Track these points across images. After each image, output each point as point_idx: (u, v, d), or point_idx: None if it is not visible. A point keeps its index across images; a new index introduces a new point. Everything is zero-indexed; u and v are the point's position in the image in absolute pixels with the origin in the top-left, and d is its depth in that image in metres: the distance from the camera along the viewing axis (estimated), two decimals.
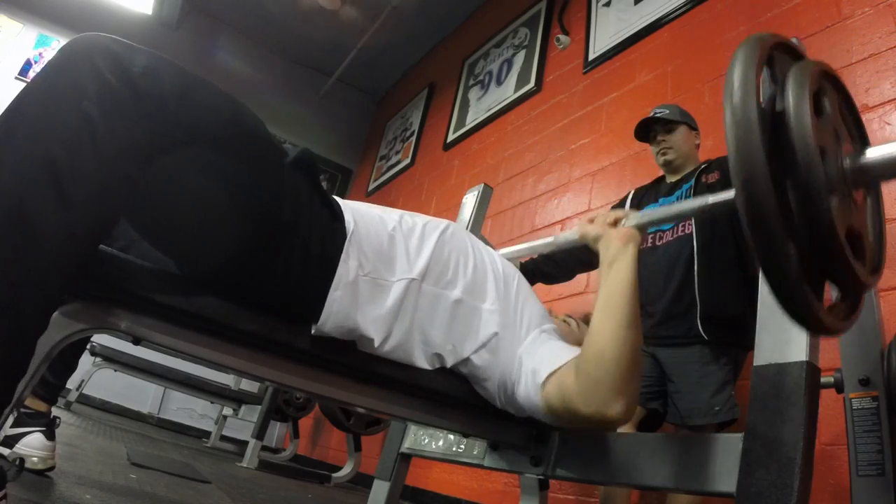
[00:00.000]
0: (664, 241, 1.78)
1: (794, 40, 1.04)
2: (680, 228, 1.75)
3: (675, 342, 1.66)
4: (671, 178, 1.89)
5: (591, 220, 1.08)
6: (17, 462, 1.23)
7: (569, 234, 1.17)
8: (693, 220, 1.71)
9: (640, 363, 0.90)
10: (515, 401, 1.00)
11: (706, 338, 1.58)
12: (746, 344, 1.62)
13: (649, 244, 1.80)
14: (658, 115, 1.88)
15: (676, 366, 1.65)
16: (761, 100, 0.58)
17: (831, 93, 0.67)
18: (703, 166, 1.79)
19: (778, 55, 0.65)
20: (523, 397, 0.98)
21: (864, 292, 0.71)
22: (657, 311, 1.70)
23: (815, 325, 0.65)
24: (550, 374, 0.94)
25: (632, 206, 1.96)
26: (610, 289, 0.93)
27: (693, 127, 1.91)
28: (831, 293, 0.69)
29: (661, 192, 1.87)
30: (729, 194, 0.91)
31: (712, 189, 1.70)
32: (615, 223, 1.04)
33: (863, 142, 0.71)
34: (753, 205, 0.55)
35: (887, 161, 0.64)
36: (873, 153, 0.64)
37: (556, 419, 0.96)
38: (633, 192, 2.00)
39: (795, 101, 0.58)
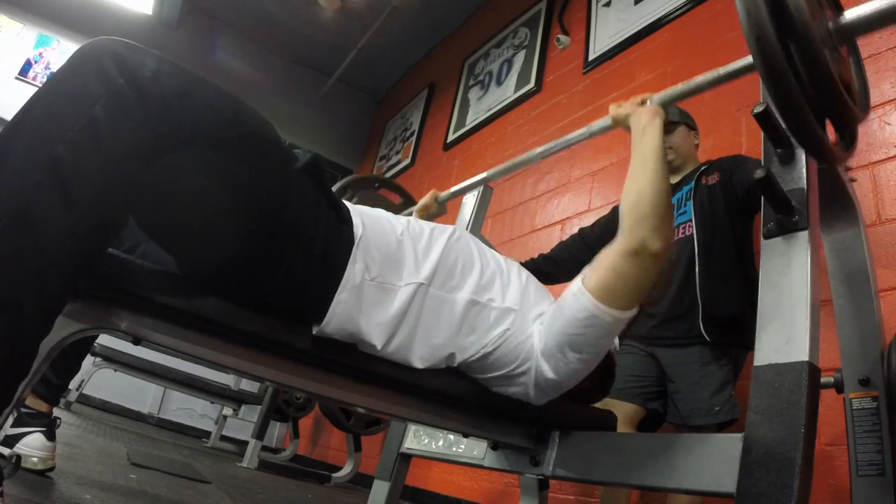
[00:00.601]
0: None
1: None
2: (680, 231, 1.75)
3: (676, 343, 1.66)
4: (671, 180, 1.88)
5: (619, 105, 1.24)
6: (14, 459, 1.23)
7: (602, 121, 1.32)
8: (693, 222, 1.71)
9: (671, 210, 1.03)
10: (552, 330, 1.02)
11: (707, 338, 1.58)
12: (746, 344, 1.62)
13: None
14: None
15: (676, 366, 1.65)
16: None
17: None
18: (703, 167, 1.79)
19: None
20: (570, 314, 1.00)
21: (857, 125, 0.91)
22: (658, 313, 1.70)
23: (827, 154, 0.83)
24: (585, 274, 1.02)
25: None
26: (643, 152, 1.07)
27: (692, 127, 1.91)
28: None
29: None
30: (745, 61, 1.03)
31: (712, 191, 1.71)
32: (642, 103, 1.19)
33: (839, 8, 0.87)
34: (767, 58, 0.72)
35: (861, 19, 0.80)
36: (849, 14, 0.82)
37: (606, 296, 0.98)
38: None
39: None
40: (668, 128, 1.87)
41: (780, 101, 0.75)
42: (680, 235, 1.74)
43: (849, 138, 0.90)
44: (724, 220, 1.67)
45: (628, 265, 0.97)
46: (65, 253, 0.64)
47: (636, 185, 1.02)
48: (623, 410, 1.66)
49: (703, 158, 1.91)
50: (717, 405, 1.53)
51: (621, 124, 1.23)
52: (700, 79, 1.13)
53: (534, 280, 1.17)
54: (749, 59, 1.01)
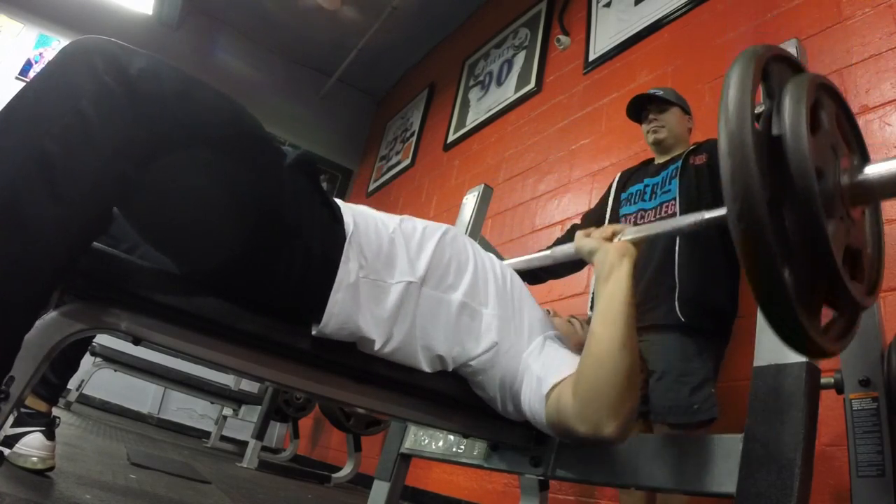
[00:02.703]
0: (646, 220, 1.76)
1: (793, 42, 1.04)
2: (662, 210, 1.72)
3: (653, 329, 1.61)
4: (659, 160, 1.87)
5: (588, 234, 1.07)
6: None
7: (566, 247, 1.16)
8: (677, 202, 1.67)
9: (636, 382, 0.87)
10: (519, 406, 0.99)
11: (683, 320, 1.53)
12: (727, 333, 1.60)
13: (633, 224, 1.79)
14: (655, 93, 1.87)
15: (657, 360, 1.59)
16: (757, 120, 0.57)
17: (829, 105, 0.65)
18: (691, 148, 1.77)
19: (774, 67, 0.64)
20: (526, 405, 0.97)
21: (860, 313, 0.70)
22: (636, 294, 1.67)
23: (810, 349, 0.63)
24: (554, 386, 0.92)
25: (617, 190, 1.94)
26: (606, 304, 0.92)
27: (687, 111, 1.90)
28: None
29: (648, 174, 1.86)
30: (722, 212, 0.87)
31: (699, 172, 1.68)
32: (611, 237, 1.03)
33: (861, 153, 0.70)
34: (749, 235, 0.54)
35: (887, 179, 0.61)
36: (872, 170, 0.62)
37: (555, 432, 0.94)
38: (618, 175, 1.99)
39: (792, 123, 0.57)
40: (663, 107, 1.86)
41: (760, 290, 0.57)
42: (663, 214, 1.71)
43: (845, 326, 0.69)
44: (710, 202, 1.61)
45: (577, 437, 0.87)
46: (51, 247, 0.64)
47: (593, 349, 0.87)
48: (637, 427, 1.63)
49: None
50: (696, 403, 1.49)
51: (587, 259, 1.06)
52: (680, 221, 1.00)
53: (525, 289, 1.14)
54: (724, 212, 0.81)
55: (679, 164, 1.73)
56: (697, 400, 1.50)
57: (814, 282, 0.60)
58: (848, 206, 0.62)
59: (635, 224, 1.76)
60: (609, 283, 0.94)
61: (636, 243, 1.00)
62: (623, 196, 1.91)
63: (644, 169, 1.91)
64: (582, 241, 1.07)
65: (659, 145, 1.86)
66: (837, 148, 0.64)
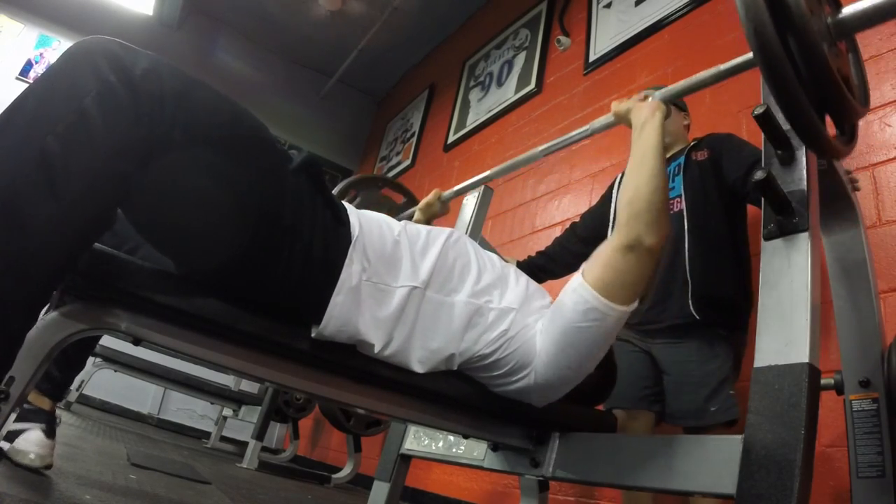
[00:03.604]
0: None
1: None
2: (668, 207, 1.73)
3: (669, 331, 1.61)
4: None
5: (621, 102, 1.26)
6: None
7: (604, 118, 1.34)
8: (683, 198, 1.67)
9: (667, 211, 1.05)
10: (545, 347, 1.02)
11: (698, 317, 1.53)
12: (743, 326, 1.59)
13: None
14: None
15: (673, 364, 1.60)
16: None
17: None
18: (692, 144, 1.77)
19: None
20: (571, 308, 1.00)
21: (858, 120, 0.92)
22: (647, 295, 1.67)
23: (827, 148, 0.84)
24: (584, 269, 1.03)
25: (618, 191, 1.94)
26: (642, 148, 1.09)
27: (681, 108, 1.89)
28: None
29: None
30: (746, 56, 1.04)
31: (703, 167, 1.68)
32: (644, 99, 1.21)
33: (837, 4, 0.87)
34: (766, 52, 0.73)
35: (860, 14, 0.81)
36: (848, 10, 0.82)
37: (606, 290, 0.98)
38: (619, 175, 1.98)
39: None
40: None
41: (780, 94, 0.76)
42: (669, 212, 1.71)
43: (849, 133, 0.92)
44: (716, 197, 1.63)
45: (624, 259, 0.99)
46: (50, 245, 0.64)
47: (633, 181, 1.04)
48: (648, 421, 1.63)
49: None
50: (714, 406, 1.49)
51: (623, 120, 1.24)
52: (702, 75, 1.14)
53: (531, 281, 1.16)
54: (750, 56, 1.01)
55: (682, 160, 1.73)
56: (716, 403, 1.49)
57: (818, 94, 0.77)
58: (835, 38, 0.83)
59: None
60: (644, 133, 1.11)
61: (665, 101, 1.19)
62: None
63: None
64: (618, 105, 1.26)
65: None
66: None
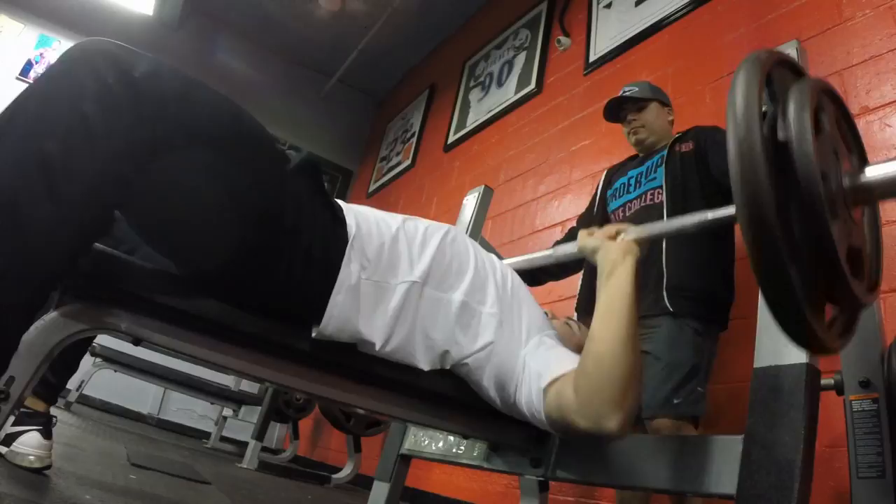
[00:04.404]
0: (632, 210, 1.75)
1: (793, 44, 1.04)
2: (648, 197, 1.70)
3: (643, 321, 1.55)
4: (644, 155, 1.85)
5: (591, 233, 1.08)
6: None
7: (567, 247, 1.17)
8: (664, 190, 1.66)
9: (639, 377, 0.87)
10: (517, 405, 0.99)
11: (672, 309, 1.51)
12: (721, 321, 1.58)
13: (620, 218, 1.77)
14: (627, 93, 1.84)
15: (645, 354, 1.54)
16: (763, 125, 0.59)
17: (829, 108, 0.67)
18: (677, 136, 1.76)
19: (777, 72, 0.66)
20: (525, 402, 0.97)
21: (861, 310, 0.72)
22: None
23: (815, 345, 0.66)
24: (553, 381, 0.92)
25: (603, 188, 1.93)
26: (608, 300, 0.93)
27: (665, 103, 1.87)
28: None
29: (633, 166, 1.84)
30: (730, 210, 0.89)
31: (686, 159, 1.66)
32: (615, 236, 1.03)
33: (860, 154, 0.72)
34: (759, 237, 0.57)
35: (886, 180, 0.65)
36: (872, 172, 0.66)
37: (555, 428, 0.94)
38: (604, 173, 1.98)
39: (798, 130, 0.59)
40: (640, 105, 1.83)
41: (769, 287, 0.60)
42: (648, 202, 1.70)
43: (848, 322, 0.72)
44: (697, 189, 1.62)
45: (578, 432, 0.87)
46: (48, 248, 0.64)
47: (595, 346, 0.88)
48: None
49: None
50: (678, 398, 1.45)
51: (589, 258, 1.06)
52: (683, 221, 1.01)
53: (524, 286, 1.14)
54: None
55: (664, 152, 1.72)
56: (680, 396, 1.46)
57: (818, 280, 0.62)
58: (850, 206, 0.65)
59: (623, 217, 1.76)
60: (612, 280, 0.95)
61: (639, 242, 1.01)
62: (609, 193, 1.90)
63: (629, 163, 1.90)
64: (585, 240, 1.08)
65: (641, 144, 1.84)
66: (838, 150, 0.66)
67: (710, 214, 0.93)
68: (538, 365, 0.97)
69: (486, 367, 1.01)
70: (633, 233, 1.02)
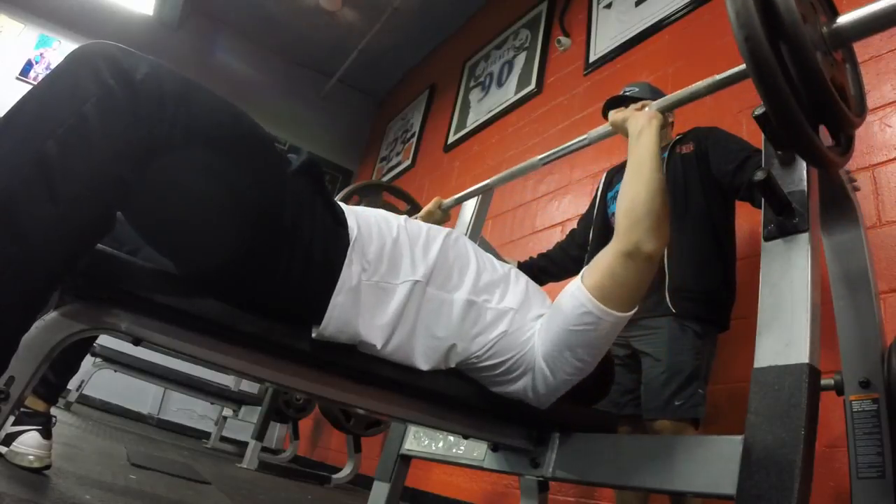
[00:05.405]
0: None
1: None
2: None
3: (645, 323, 1.59)
4: None
5: (618, 111, 1.27)
6: None
7: (602, 128, 1.37)
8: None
9: (667, 220, 1.03)
10: (544, 340, 1.03)
11: (674, 311, 1.52)
12: (722, 322, 1.59)
13: None
14: (627, 93, 1.84)
15: (646, 355, 1.58)
16: None
17: None
18: (677, 138, 1.76)
19: None
20: (563, 315, 1.01)
21: (853, 131, 0.91)
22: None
23: (821, 158, 0.83)
24: (583, 274, 1.03)
25: (603, 189, 1.93)
26: (638, 155, 1.10)
27: None
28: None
29: None
30: (741, 66, 1.01)
31: (686, 161, 1.67)
32: (641, 108, 1.23)
33: (833, 12, 0.87)
34: (758, 62, 0.72)
35: (856, 23, 0.80)
36: (844, 18, 0.81)
37: (603, 296, 0.99)
38: (604, 175, 1.98)
39: None
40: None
41: (772, 105, 0.76)
42: None
43: (844, 144, 0.91)
44: (698, 191, 1.62)
45: (623, 267, 0.99)
46: (48, 249, 0.64)
47: (631, 189, 1.05)
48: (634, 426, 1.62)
49: None
50: (679, 400, 1.46)
51: (620, 129, 1.26)
52: (698, 85, 1.14)
53: (531, 282, 1.17)
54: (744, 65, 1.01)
55: (665, 155, 1.72)
56: (681, 398, 1.47)
57: (812, 104, 0.77)
58: (830, 47, 0.81)
59: None
60: (641, 140, 1.13)
61: (662, 110, 1.20)
62: (609, 195, 1.89)
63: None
64: (615, 115, 1.28)
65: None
66: (816, 7, 0.83)
67: (720, 76, 1.10)
68: (559, 298, 1.05)
69: (501, 359, 1.03)
70: (655, 105, 1.22)
